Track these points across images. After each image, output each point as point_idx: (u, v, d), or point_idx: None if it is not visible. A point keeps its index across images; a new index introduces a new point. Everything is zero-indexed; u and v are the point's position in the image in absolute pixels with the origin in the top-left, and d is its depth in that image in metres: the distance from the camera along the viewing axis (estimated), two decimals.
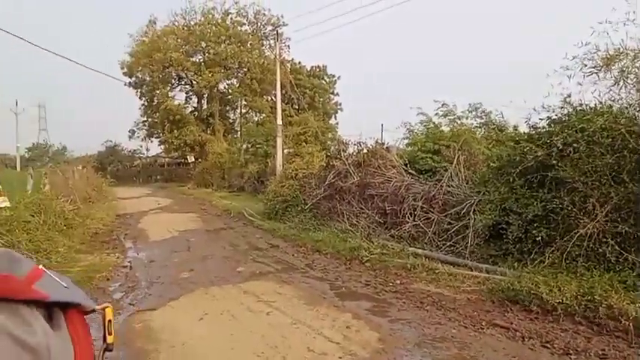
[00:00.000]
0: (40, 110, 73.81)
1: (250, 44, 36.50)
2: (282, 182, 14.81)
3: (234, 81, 39.15)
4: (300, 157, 18.01)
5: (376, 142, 12.23)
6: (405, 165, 11.37)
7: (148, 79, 37.88)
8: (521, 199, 7.42)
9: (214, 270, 8.42)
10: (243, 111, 42.55)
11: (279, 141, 21.10)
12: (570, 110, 7.58)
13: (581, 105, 7.51)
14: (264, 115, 38.86)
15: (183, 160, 42.84)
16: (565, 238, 6.65)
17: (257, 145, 25.71)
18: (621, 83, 7.20)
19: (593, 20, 7.33)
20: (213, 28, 35.52)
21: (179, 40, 36.08)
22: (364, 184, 10.94)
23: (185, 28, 37.08)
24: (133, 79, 39.02)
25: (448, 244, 8.54)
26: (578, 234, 6.37)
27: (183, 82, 40.29)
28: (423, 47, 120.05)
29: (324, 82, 47.14)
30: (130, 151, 50.25)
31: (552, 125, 7.64)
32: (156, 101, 38.46)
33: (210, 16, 36.41)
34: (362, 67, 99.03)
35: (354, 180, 11.25)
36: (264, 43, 37.68)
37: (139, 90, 39.79)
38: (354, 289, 7.04)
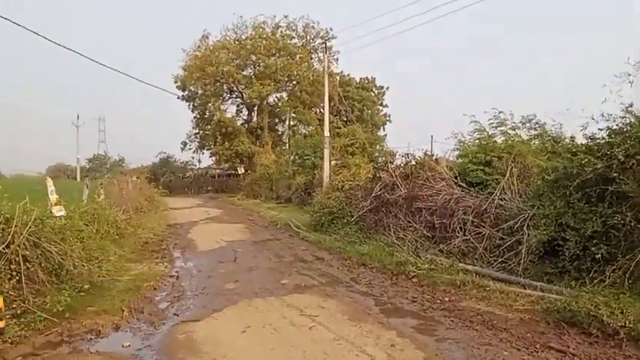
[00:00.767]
0: (99, 123, 77.49)
1: (300, 57, 36.91)
2: (329, 194, 14.74)
3: (284, 94, 39.70)
4: (347, 168, 17.90)
5: (425, 153, 11.96)
6: (455, 177, 11.04)
7: (200, 92, 38.99)
8: (579, 214, 7.00)
9: (259, 282, 8.42)
10: (292, 123, 42.97)
11: (326, 152, 21.10)
12: (632, 120, 7.10)
13: None
14: (311, 127, 39.11)
15: (233, 172, 43.73)
16: (627, 257, 6.21)
17: (304, 157, 25.83)
18: None
19: None
20: (264, 41, 36.20)
21: (230, 54, 37.00)
22: (412, 197, 10.69)
23: (236, 42, 37.97)
24: (186, 92, 40.24)
25: (500, 260, 8.15)
26: None
27: (234, 95, 41.23)
28: (473, 58, 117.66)
29: (372, 93, 47.05)
30: (182, 163, 51.79)
31: (613, 136, 7.15)
32: (207, 114, 39.60)
33: (261, 30, 37.11)
34: (412, 77, 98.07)
35: (402, 192, 11.01)
36: (313, 55, 38.02)
37: (192, 103, 41.00)
38: (400, 306, 6.82)
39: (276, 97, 40.11)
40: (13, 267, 6.06)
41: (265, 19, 37.58)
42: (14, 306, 5.74)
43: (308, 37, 38.27)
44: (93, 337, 5.59)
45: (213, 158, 44.29)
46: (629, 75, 7.33)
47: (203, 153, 45.64)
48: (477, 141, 12.53)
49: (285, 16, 37.58)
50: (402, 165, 12.12)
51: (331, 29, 35.31)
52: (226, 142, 37.27)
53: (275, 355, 4.90)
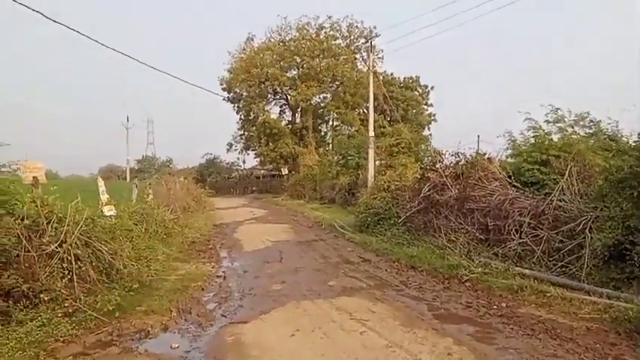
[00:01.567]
0: (148, 125, 79.88)
1: (343, 58, 36.74)
2: (374, 194, 14.44)
3: (328, 95, 39.65)
4: (393, 168, 17.54)
5: (476, 152, 11.49)
6: (509, 177, 10.53)
7: (245, 94, 39.42)
8: None
9: (306, 283, 8.27)
10: (335, 124, 42.87)
11: (370, 152, 20.79)
12: None
13: None
14: (355, 128, 38.88)
15: (277, 173, 44.07)
16: None
17: (348, 157, 25.60)
18: None
19: None
20: (308, 43, 36.30)
21: (275, 56, 37.25)
22: (463, 198, 10.27)
23: (280, 44, 38.21)
24: (232, 94, 40.80)
25: (560, 264, 7.65)
26: None
27: (278, 97, 41.50)
28: (521, 55, 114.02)
29: (417, 93, 46.35)
30: (227, 164, 52.75)
31: None
32: (252, 115, 40.01)
33: (305, 31, 37.23)
34: (456, 76, 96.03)
35: (452, 193, 10.61)
36: (357, 55, 37.78)
37: (237, 104, 41.54)
38: (455, 311, 6.49)
39: (320, 97, 40.11)
40: (65, 265, 6.16)
41: (309, 20, 37.71)
42: (66, 304, 5.82)
43: (352, 37, 38.14)
44: (142, 337, 5.58)
45: (258, 159, 44.84)
46: None
47: (248, 154, 46.32)
48: (532, 139, 11.94)
49: (329, 17, 37.61)
50: (452, 165, 11.69)
51: (375, 27, 34.96)
52: (270, 144, 37.61)
53: None
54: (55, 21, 10.97)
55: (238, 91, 40.19)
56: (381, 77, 34.30)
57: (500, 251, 8.64)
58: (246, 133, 43.55)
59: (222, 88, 40.32)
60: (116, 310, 6.16)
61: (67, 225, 6.46)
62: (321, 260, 10.54)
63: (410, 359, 4.72)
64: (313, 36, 37.01)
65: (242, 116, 42.62)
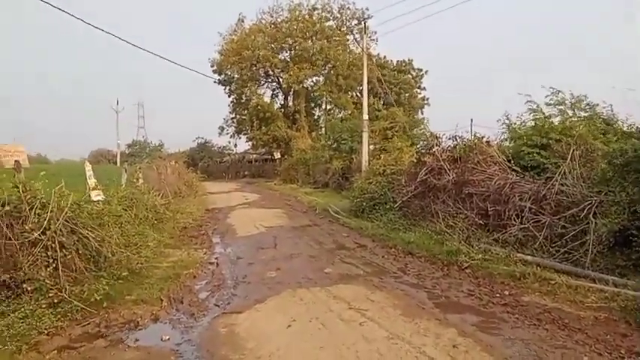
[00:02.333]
0: (138, 108, 78.71)
1: (335, 39, 36.15)
2: (370, 179, 14.17)
3: (320, 78, 39.12)
4: (388, 152, 17.25)
5: (475, 135, 11.20)
6: (508, 161, 10.28)
7: (236, 76, 38.77)
8: None
9: (301, 270, 8.02)
10: (328, 107, 42.42)
11: (365, 136, 20.50)
12: None
13: None
14: (348, 111, 38.46)
15: (270, 157, 43.68)
16: None
17: (341, 141, 25.22)
18: None
19: None
20: (300, 24, 35.60)
21: (267, 38, 36.56)
22: (462, 182, 10.02)
23: (272, 26, 37.50)
24: (223, 76, 40.12)
25: (563, 250, 7.42)
26: None
27: (270, 80, 40.90)
28: (517, 37, 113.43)
29: (410, 76, 45.94)
30: (219, 148, 52.14)
31: None
32: (244, 98, 39.41)
33: (297, 12, 36.48)
34: (449, 59, 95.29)
35: (450, 177, 10.34)
36: (349, 37, 37.20)
37: (228, 87, 40.89)
38: (456, 300, 6.26)
39: (313, 81, 39.57)
40: (49, 254, 5.83)
41: (301, 1, 36.93)
42: (50, 295, 5.50)
43: (344, 18, 37.45)
44: (131, 328, 5.31)
45: (250, 143, 44.35)
46: None
47: (240, 138, 45.68)
48: (532, 122, 11.67)
49: None
50: (450, 148, 11.40)
51: (367, 9, 34.31)
52: (263, 127, 37.15)
53: (325, 356, 4.44)
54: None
55: (229, 73, 39.49)
56: (373, 60, 33.86)
57: (501, 237, 8.40)
58: (237, 116, 42.91)
59: (213, 71, 39.63)
60: (104, 299, 5.85)
61: (51, 211, 6.11)
62: (316, 246, 10.29)
63: (413, 352, 4.47)
64: (306, 17, 36.30)
65: (234, 99, 41.96)
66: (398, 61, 45.30)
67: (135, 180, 13.98)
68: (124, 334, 5.13)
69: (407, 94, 44.82)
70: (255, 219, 14.70)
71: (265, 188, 30.23)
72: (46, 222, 5.94)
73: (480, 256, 7.91)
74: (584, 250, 7.07)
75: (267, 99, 40.19)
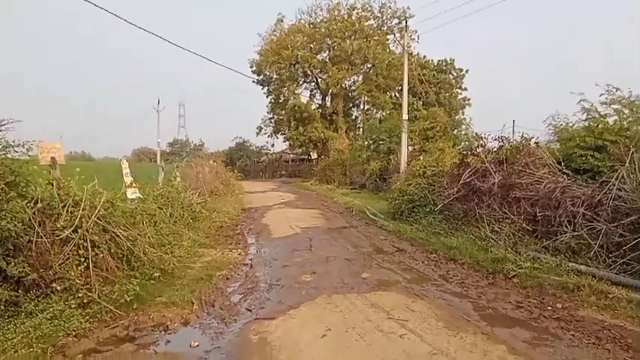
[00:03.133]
0: (179, 108, 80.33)
1: (375, 39, 35.70)
2: (409, 180, 13.69)
3: (359, 77, 38.75)
4: (429, 153, 16.72)
5: (522, 136, 10.57)
6: (559, 163, 9.65)
7: (275, 76, 38.88)
8: None
9: (337, 274, 7.69)
10: (366, 107, 41.96)
11: (404, 137, 20.02)
12: None
13: None
14: (386, 111, 37.90)
15: (306, 157, 43.60)
16: None
17: (379, 142, 24.77)
18: None
19: None
20: (339, 24, 35.33)
21: (305, 38, 36.51)
22: (508, 185, 9.45)
23: (311, 26, 37.39)
24: (261, 77, 40.32)
25: (621, 261, 6.83)
26: None
27: (308, 80, 40.83)
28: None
29: (450, 76, 44.88)
30: (257, 147, 52.46)
31: None
32: (282, 98, 39.50)
33: (336, 12, 36.23)
34: (494, 59, 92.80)
35: (496, 180, 9.79)
36: (389, 37, 36.69)
37: (267, 87, 41.08)
38: (504, 312, 5.80)
39: (351, 80, 39.22)
40: (80, 252, 5.73)
41: (340, 1, 36.64)
42: (80, 295, 5.38)
43: (384, 18, 36.97)
44: (160, 332, 5.11)
45: (287, 143, 44.44)
46: None
47: (277, 138, 45.91)
48: (584, 122, 10.93)
49: None
50: (495, 149, 10.84)
51: (408, 8, 33.71)
52: (300, 128, 37.07)
53: None
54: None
55: (268, 73, 39.70)
56: (414, 60, 33.24)
57: (551, 244, 7.83)
58: (275, 116, 43.11)
59: (252, 71, 39.89)
60: (134, 301, 5.71)
61: (83, 209, 6.01)
62: (352, 249, 9.95)
63: None
64: (345, 17, 36.00)
65: (272, 99, 42.17)
66: (439, 60, 44.32)
67: (172, 178, 14.00)
68: (152, 338, 4.94)
69: (447, 94, 43.76)
70: (291, 219, 14.49)
71: (301, 188, 30.09)
72: (78, 220, 5.85)
73: (529, 264, 7.37)
74: None
75: (304, 99, 40.19)
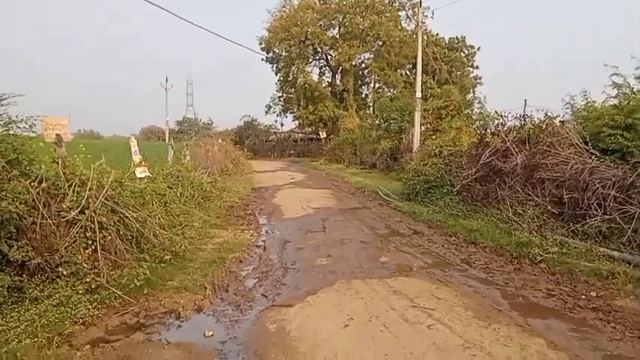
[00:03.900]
0: (187, 86, 79.74)
1: (387, 15, 34.86)
2: (424, 160, 13.28)
3: (370, 55, 38.02)
4: (444, 132, 16.25)
5: (546, 114, 10.08)
6: (585, 143, 9.20)
7: (284, 54, 38.24)
8: None
9: (354, 258, 7.37)
10: (377, 86, 41.26)
11: (417, 115, 19.51)
12: None
13: None
14: (398, 90, 37.20)
15: (315, 136, 43.12)
16: None
17: (391, 121, 24.23)
18: None
19: None
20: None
21: (315, 14, 35.74)
22: (532, 166, 9.04)
23: (321, 2, 36.60)
24: (271, 54, 39.67)
25: None
26: None
27: (318, 57, 40.14)
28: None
29: (462, 54, 43.89)
30: (266, 126, 51.98)
31: None
32: (292, 76, 38.88)
33: None
34: (507, 36, 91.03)
35: (518, 160, 9.37)
36: (401, 13, 35.80)
37: (276, 65, 40.43)
38: (535, 301, 5.45)
39: (362, 57, 38.51)
40: (88, 235, 5.43)
41: None
42: (88, 279, 5.09)
43: None
44: (172, 319, 4.83)
45: (297, 122, 43.93)
46: None
47: (286, 116, 45.40)
48: (615, 100, 10.35)
49: None
50: (517, 128, 10.38)
51: None
52: (310, 106, 36.54)
53: None
54: None
55: (277, 51, 39.01)
56: (425, 37, 32.43)
57: (580, 228, 7.45)
58: (284, 95, 42.55)
59: (262, 48, 39.20)
60: (144, 285, 5.40)
61: (90, 189, 5.69)
62: (367, 231, 9.62)
63: None
64: None
65: (281, 77, 41.51)
66: (450, 38, 43.31)
67: (182, 157, 13.68)
68: (164, 326, 4.66)
69: (459, 73, 42.88)
70: (302, 199, 14.18)
71: (311, 168, 29.72)
72: (84, 200, 5.54)
73: (556, 249, 7.02)
74: None
75: (314, 77, 39.54)
